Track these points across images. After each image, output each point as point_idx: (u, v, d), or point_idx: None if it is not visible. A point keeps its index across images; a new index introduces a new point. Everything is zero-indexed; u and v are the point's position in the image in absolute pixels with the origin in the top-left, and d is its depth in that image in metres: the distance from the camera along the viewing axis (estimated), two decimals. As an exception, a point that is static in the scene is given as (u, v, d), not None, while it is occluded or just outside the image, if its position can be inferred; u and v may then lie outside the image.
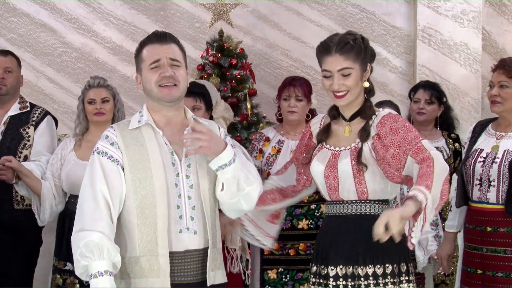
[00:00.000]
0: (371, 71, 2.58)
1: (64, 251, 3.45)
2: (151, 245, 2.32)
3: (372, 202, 2.51)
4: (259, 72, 4.91)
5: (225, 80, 4.55)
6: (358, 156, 2.46)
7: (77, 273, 2.31)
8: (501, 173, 3.06)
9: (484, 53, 4.93)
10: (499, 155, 3.10)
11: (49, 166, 3.57)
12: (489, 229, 3.10)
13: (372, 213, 2.50)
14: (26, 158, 3.66)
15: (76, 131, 3.60)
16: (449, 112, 4.11)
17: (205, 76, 4.53)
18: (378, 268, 2.45)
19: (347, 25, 5.07)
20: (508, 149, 3.09)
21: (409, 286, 2.49)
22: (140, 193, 2.33)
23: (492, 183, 3.09)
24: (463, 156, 3.36)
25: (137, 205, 2.33)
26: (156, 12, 5.08)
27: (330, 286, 2.47)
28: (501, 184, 3.07)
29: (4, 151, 3.60)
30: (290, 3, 5.08)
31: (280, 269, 3.57)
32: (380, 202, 2.53)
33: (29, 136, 3.71)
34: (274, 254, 3.56)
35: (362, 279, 2.44)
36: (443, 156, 3.79)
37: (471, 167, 3.16)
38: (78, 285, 3.40)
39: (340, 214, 2.54)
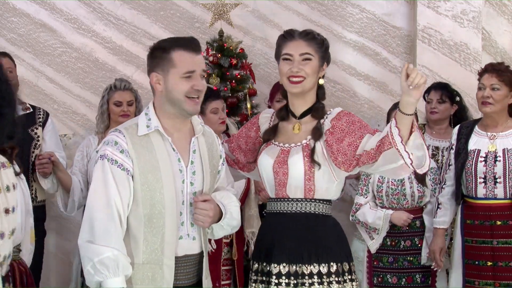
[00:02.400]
0: (324, 73, 2.62)
1: None
2: (156, 254, 2.30)
3: (318, 201, 2.52)
4: (259, 72, 4.91)
5: (225, 80, 4.55)
6: (311, 154, 2.47)
7: (89, 285, 2.28)
8: (507, 170, 3.39)
9: (484, 53, 4.93)
10: (500, 154, 3.40)
11: (75, 162, 3.81)
12: (499, 222, 3.39)
13: (317, 212, 2.52)
14: (36, 158, 3.76)
15: (98, 128, 3.85)
16: (464, 111, 4.30)
17: (205, 76, 4.53)
18: (323, 267, 2.46)
19: (347, 25, 5.07)
20: (507, 148, 3.43)
21: (352, 285, 2.51)
22: (149, 202, 2.29)
23: (498, 180, 3.40)
24: (452, 156, 3.56)
25: (146, 213, 2.30)
26: (156, 12, 5.08)
27: (272, 283, 2.46)
28: (507, 180, 3.38)
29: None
30: (290, 3, 5.08)
31: None
32: (325, 202, 2.54)
33: (38, 137, 3.88)
34: None
35: (307, 277, 2.45)
36: None
37: (473, 167, 3.43)
38: None
39: (285, 211, 2.54)
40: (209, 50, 4.63)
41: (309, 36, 2.55)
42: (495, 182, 3.39)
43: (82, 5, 5.06)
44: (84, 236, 2.26)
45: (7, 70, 3.82)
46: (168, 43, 2.40)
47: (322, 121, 2.55)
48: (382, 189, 3.77)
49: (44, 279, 4.62)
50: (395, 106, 3.85)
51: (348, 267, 2.53)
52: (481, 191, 3.42)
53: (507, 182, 3.38)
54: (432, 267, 3.68)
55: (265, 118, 2.72)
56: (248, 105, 4.55)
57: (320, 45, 2.56)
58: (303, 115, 2.59)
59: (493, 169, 3.39)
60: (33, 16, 5.04)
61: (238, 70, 4.63)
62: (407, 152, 2.31)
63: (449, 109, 4.19)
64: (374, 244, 3.77)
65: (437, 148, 4.17)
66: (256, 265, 2.57)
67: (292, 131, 2.59)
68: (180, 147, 2.38)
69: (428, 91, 4.26)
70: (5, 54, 4.01)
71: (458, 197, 3.53)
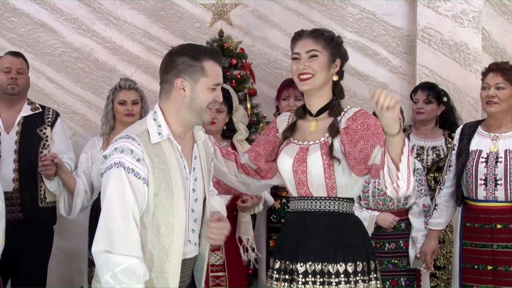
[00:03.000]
0: (341, 68, 2.61)
1: None
2: (161, 262, 2.27)
3: (341, 199, 2.52)
4: (259, 72, 4.91)
5: (225, 80, 4.54)
6: (330, 150, 2.47)
7: None
8: (508, 172, 3.28)
9: (484, 53, 4.93)
10: (501, 155, 3.31)
11: (80, 164, 3.77)
12: (499, 226, 3.29)
13: (341, 211, 2.52)
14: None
15: (103, 129, 3.81)
16: (452, 111, 4.22)
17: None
18: (350, 266, 2.46)
19: (347, 25, 5.07)
20: (509, 149, 3.30)
21: (376, 284, 2.51)
22: (160, 211, 2.26)
23: (499, 182, 3.29)
24: (453, 157, 3.48)
25: (155, 221, 2.26)
26: (156, 12, 5.08)
27: (300, 282, 2.46)
28: (508, 182, 3.27)
29: (25, 151, 3.78)
30: (290, 3, 5.08)
31: None
32: (348, 200, 2.55)
33: (47, 137, 3.86)
34: None
35: (333, 276, 2.45)
36: (440, 155, 4.04)
37: (474, 168, 3.34)
38: None
39: (308, 210, 2.53)
40: (209, 50, 4.63)
41: (316, 33, 2.57)
42: (496, 184, 3.29)
43: (82, 5, 5.07)
44: (101, 246, 2.18)
45: (17, 70, 3.86)
46: (199, 52, 2.33)
47: (339, 118, 2.55)
48: (369, 190, 3.68)
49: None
50: None
51: (374, 265, 2.53)
52: (481, 193, 3.33)
53: (508, 184, 3.28)
54: (421, 269, 3.60)
55: (283, 120, 2.74)
56: (248, 105, 4.55)
57: (328, 41, 2.55)
58: (319, 112, 2.60)
59: (494, 170, 3.29)
60: (33, 16, 5.04)
61: (238, 70, 4.63)
62: (402, 178, 2.28)
63: (435, 110, 4.12)
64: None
65: (422, 147, 4.12)
66: (278, 263, 2.56)
67: (309, 129, 2.60)
68: (185, 154, 2.37)
69: (415, 91, 4.23)
70: (18, 54, 4.00)
71: (458, 199, 3.43)
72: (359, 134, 2.46)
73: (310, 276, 2.46)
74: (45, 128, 3.88)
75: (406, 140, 2.27)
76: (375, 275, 2.52)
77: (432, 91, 4.11)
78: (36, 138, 3.83)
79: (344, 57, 2.63)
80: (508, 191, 3.28)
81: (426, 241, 3.53)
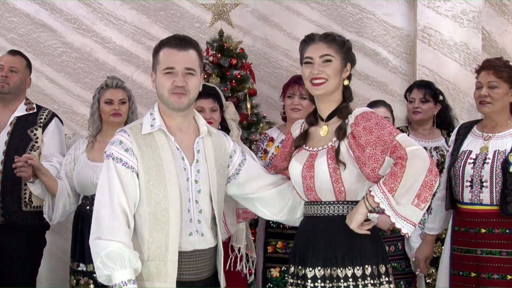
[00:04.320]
0: (350, 73, 2.62)
1: (77, 253, 3.48)
2: (161, 250, 2.36)
3: (350, 203, 2.50)
4: (259, 72, 4.91)
5: (225, 80, 4.55)
6: (336, 154, 2.46)
7: (100, 280, 2.34)
8: (494, 173, 3.06)
9: (484, 53, 4.92)
10: (490, 155, 3.09)
11: (63, 166, 3.58)
12: (483, 230, 3.08)
13: (337, 214, 2.51)
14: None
15: (90, 131, 3.59)
16: (448, 111, 4.10)
17: (205, 76, 4.53)
18: (357, 270, 2.44)
19: (347, 25, 5.07)
20: (498, 150, 3.10)
21: (390, 287, 2.48)
22: (154, 199, 2.37)
23: (484, 184, 3.08)
24: (447, 159, 3.34)
25: (151, 210, 2.37)
26: (156, 12, 5.08)
27: (308, 287, 2.46)
28: (494, 184, 3.06)
29: (12, 152, 3.60)
30: (290, 3, 5.08)
31: (283, 267, 3.56)
32: (357, 204, 2.50)
33: (37, 138, 3.72)
34: (278, 252, 3.57)
35: (342, 280, 2.43)
36: (444, 155, 3.84)
37: (461, 169, 3.15)
38: (92, 286, 3.43)
39: (317, 215, 2.53)
40: (209, 50, 4.63)
41: (329, 38, 2.56)
42: (482, 186, 3.07)
43: (82, 5, 5.07)
44: (92, 235, 2.35)
45: (10, 68, 3.73)
46: (159, 43, 2.52)
47: (346, 121, 2.54)
48: None
49: (43, 279, 4.62)
50: (370, 106, 3.81)
51: (385, 269, 2.50)
52: (467, 195, 3.12)
53: (494, 187, 3.05)
54: (416, 272, 3.52)
55: (296, 128, 2.73)
56: (248, 105, 4.55)
57: (341, 46, 2.56)
58: (330, 117, 2.59)
59: (480, 172, 3.07)
60: (33, 16, 5.04)
61: (238, 70, 4.63)
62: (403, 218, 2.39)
63: (432, 109, 3.96)
64: None
65: (424, 148, 4.03)
66: (292, 268, 2.57)
67: (320, 135, 2.59)
68: (184, 146, 2.46)
69: (409, 89, 4.07)
70: (16, 53, 3.88)
71: (446, 201, 3.23)
72: (364, 139, 2.44)
73: (319, 281, 2.45)
74: (36, 129, 3.72)
75: (377, 196, 2.35)
76: (386, 279, 2.48)
77: (428, 90, 3.96)
78: (25, 139, 3.69)
79: (353, 62, 2.64)
80: (494, 194, 3.05)
81: (420, 246, 3.40)
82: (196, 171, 2.46)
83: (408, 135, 3.99)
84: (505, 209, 3.02)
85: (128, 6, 5.08)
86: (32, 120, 3.76)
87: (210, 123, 3.64)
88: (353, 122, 2.52)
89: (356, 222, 2.40)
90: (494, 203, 3.06)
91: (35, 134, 3.72)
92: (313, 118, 2.65)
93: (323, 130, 2.58)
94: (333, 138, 2.53)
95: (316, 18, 5.06)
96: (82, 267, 3.46)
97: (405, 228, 2.37)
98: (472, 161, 3.13)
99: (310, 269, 2.47)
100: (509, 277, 3.02)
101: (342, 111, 2.58)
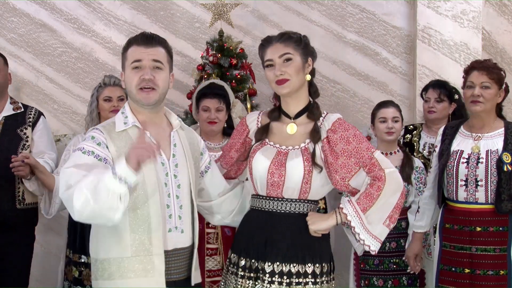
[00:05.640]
0: (313, 67, 2.60)
1: (78, 245, 3.56)
2: (144, 245, 2.32)
3: (309, 201, 2.54)
4: (259, 72, 4.90)
5: (225, 80, 4.54)
6: (312, 158, 2.48)
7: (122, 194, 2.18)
8: (489, 173, 3.17)
9: (484, 53, 4.93)
10: (483, 155, 3.21)
11: (62, 162, 3.65)
12: (478, 229, 3.19)
13: (308, 212, 2.54)
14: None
15: (87, 128, 3.67)
16: (464, 109, 4.07)
17: (205, 76, 4.53)
18: (317, 267, 2.50)
19: (347, 25, 5.07)
20: (490, 149, 3.21)
21: (333, 284, 2.58)
22: (132, 194, 2.27)
23: (479, 183, 3.19)
24: (434, 159, 3.41)
25: (129, 206, 2.28)
26: (156, 12, 5.08)
27: (266, 281, 2.47)
28: (489, 183, 3.17)
29: (3, 151, 3.63)
30: (290, 3, 5.08)
31: None
32: (314, 202, 2.58)
33: (27, 137, 3.75)
34: None
35: (302, 277, 2.47)
36: None
37: (454, 168, 3.24)
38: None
39: (276, 211, 2.53)
40: (209, 50, 4.63)
41: (284, 37, 2.55)
42: (477, 185, 3.19)
43: (82, 5, 5.07)
44: (62, 190, 2.22)
45: None
46: (127, 42, 2.48)
47: (319, 123, 2.55)
48: None
49: (40, 277, 4.62)
50: (379, 106, 3.83)
51: (332, 266, 2.60)
52: (461, 194, 3.22)
53: (489, 186, 3.17)
54: (408, 270, 3.58)
55: (252, 121, 2.71)
56: (248, 105, 4.55)
57: (298, 43, 2.54)
58: (298, 115, 2.59)
59: (475, 171, 3.19)
60: (33, 16, 5.04)
61: (238, 70, 4.63)
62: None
63: (447, 108, 4.04)
64: (360, 246, 3.68)
65: (433, 145, 4.05)
66: (244, 261, 2.54)
67: (287, 132, 2.58)
68: (160, 140, 2.41)
69: (425, 89, 4.15)
70: None
71: (438, 200, 3.35)
72: (339, 148, 2.48)
73: (276, 276, 2.47)
74: (26, 128, 3.76)
75: (349, 214, 2.44)
76: (332, 276, 2.59)
77: (443, 89, 4.03)
78: (16, 138, 3.71)
79: (313, 55, 2.61)
80: (489, 192, 3.18)
81: (410, 244, 3.49)
82: (174, 165, 2.43)
83: (421, 132, 4.06)
84: (500, 207, 3.15)
85: (128, 6, 5.08)
86: (21, 119, 3.79)
87: (214, 123, 3.67)
88: (330, 128, 2.52)
89: (318, 228, 2.48)
90: (489, 202, 3.18)
91: (25, 133, 3.76)
92: (277, 114, 2.63)
93: (291, 128, 2.57)
94: (306, 140, 2.54)
95: (316, 18, 5.06)
96: (84, 258, 3.55)
97: (374, 246, 2.50)
98: (465, 160, 3.23)
99: (269, 263, 2.48)
100: (502, 272, 3.16)
101: (313, 112, 2.57)
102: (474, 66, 3.30)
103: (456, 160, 3.25)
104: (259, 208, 2.58)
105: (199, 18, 5.07)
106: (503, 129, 3.26)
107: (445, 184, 3.32)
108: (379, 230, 2.48)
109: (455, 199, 3.26)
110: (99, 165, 2.26)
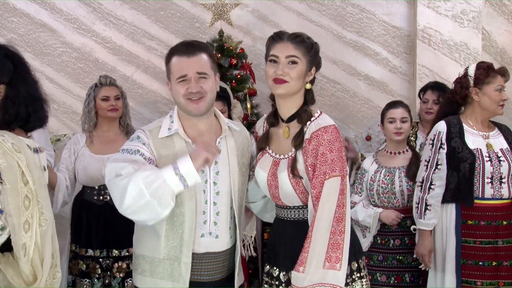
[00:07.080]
0: (314, 76, 2.53)
1: (84, 239, 3.67)
2: (175, 251, 2.39)
3: (305, 207, 2.45)
4: (259, 72, 4.91)
5: (225, 80, 4.55)
6: (292, 168, 2.41)
7: (176, 189, 2.25)
8: (511, 170, 3.38)
9: (484, 53, 4.93)
10: (500, 153, 3.38)
11: (62, 160, 3.75)
12: (504, 222, 3.37)
13: (306, 218, 2.45)
14: None
15: (85, 127, 3.78)
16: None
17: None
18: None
19: (347, 25, 5.07)
20: (502, 148, 3.41)
21: (361, 282, 2.48)
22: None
23: (503, 180, 3.37)
24: (441, 156, 3.42)
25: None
26: (156, 12, 5.09)
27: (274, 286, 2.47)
28: (510, 179, 3.38)
29: None
30: (290, 3, 5.08)
31: None
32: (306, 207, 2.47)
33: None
34: None
35: None
36: None
37: (481, 166, 3.36)
38: (99, 270, 3.64)
39: (287, 218, 2.51)
40: (209, 50, 4.63)
41: (298, 39, 2.46)
42: (501, 182, 3.36)
43: (82, 5, 5.07)
44: (111, 175, 2.31)
45: None
46: (169, 51, 2.49)
47: (305, 128, 2.46)
48: (374, 188, 3.72)
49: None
50: (389, 106, 3.84)
51: (356, 265, 2.48)
52: (488, 191, 3.36)
53: (510, 182, 3.38)
54: (420, 267, 3.57)
55: (259, 126, 2.69)
56: (248, 105, 4.55)
57: (308, 49, 2.46)
58: (290, 119, 2.52)
59: (499, 169, 3.36)
60: (33, 16, 5.05)
61: (238, 70, 4.63)
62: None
63: None
64: (365, 242, 3.72)
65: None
66: (268, 267, 2.56)
67: (283, 136, 2.53)
68: None
69: (424, 90, 4.20)
70: None
71: (467, 197, 3.37)
72: (309, 161, 2.39)
73: (283, 284, 2.45)
74: None
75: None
76: (358, 275, 2.48)
77: (442, 92, 4.08)
78: None
79: (318, 65, 2.55)
80: (511, 188, 3.38)
81: (421, 242, 3.49)
82: (215, 173, 2.45)
83: (417, 131, 4.08)
84: None
85: (128, 6, 5.08)
86: None
87: None
88: (308, 137, 2.42)
89: None
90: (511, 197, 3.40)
91: None
92: (274, 119, 2.58)
93: (285, 132, 2.52)
94: (292, 149, 2.47)
95: (316, 18, 5.06)
96: (90, 252, 3.65)
97: None
98: (488, 158, 3.37)
99: (284, 273, 2.46)
100: None
101: (301, 115, 2.48)
102: (504, 71, 3.48)
103: (480, 158, 3.37)
104: (276, 216, 2.59)
105: (199, 18, 5.08)
106: (497, 129, 3.51)
107: (468, 183, 3.34)
108: (319, 276, 2.30)
109: (481, 196, 3.38)
110: (146, 163, 2.33)
